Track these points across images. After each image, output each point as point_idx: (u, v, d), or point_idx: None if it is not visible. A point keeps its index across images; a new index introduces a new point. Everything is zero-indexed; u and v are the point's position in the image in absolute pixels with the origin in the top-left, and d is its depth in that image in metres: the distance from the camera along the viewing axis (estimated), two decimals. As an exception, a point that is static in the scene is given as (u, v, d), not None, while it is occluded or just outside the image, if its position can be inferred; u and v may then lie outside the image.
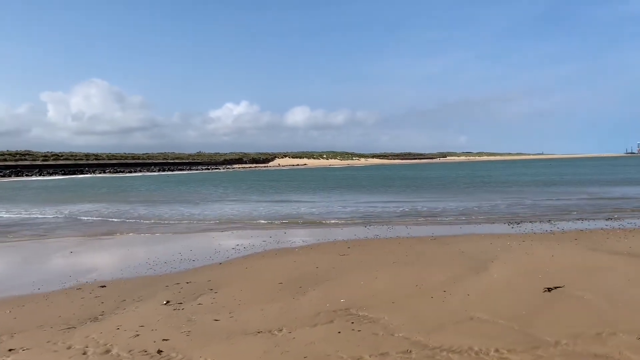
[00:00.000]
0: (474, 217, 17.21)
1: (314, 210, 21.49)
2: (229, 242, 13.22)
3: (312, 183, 48.98)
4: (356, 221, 17.24)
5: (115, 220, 19.59)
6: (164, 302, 7.58)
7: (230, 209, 23.14)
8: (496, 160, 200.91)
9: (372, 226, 15.73)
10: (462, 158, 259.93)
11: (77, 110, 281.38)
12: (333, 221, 17.38)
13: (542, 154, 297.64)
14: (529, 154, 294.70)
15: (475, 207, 20.64)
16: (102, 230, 16.68)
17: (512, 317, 6.18)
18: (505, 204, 21.31)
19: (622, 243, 10.89)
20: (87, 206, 26.17)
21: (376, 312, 6.65)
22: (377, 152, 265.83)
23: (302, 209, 22.15)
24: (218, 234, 15.13)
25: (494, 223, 15.63)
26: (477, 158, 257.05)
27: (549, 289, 7.26)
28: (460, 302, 6.89)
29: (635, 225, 14.01)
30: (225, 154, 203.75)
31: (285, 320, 6.49)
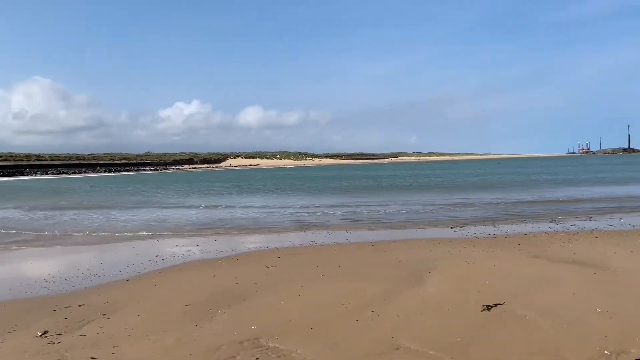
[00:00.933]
0: (417, 220, 16.52)
1: (251, 214, 20.30)
2: (148, 253, 11.89)
3: (259, 184, 47.69)
4: (294, 226, 16.20)
5: (27, 227, 17.77)
6: (39, 334, 6.27)
7: (163, 213, 21.61)
8: (445, 161, 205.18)
9: (310, 231, 14.73)
10: (413, 158, 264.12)
11: (19, 109, 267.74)
12: (269, 226, 16.27)
13: (490, 154, 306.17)
14: (477, 154, 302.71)
15: (421, 209, 20.02)
16: (7, 240, 14.94)
17: (445, 346, 5.28)
18: (450, 206, 20.80)
19: (566, 249, 10.31)
20: (4, 213, 23.98)
21: (289, 342, 5.61)
22: (331, 152, 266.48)
23: (239, 212, 20.92)
24: (140, 242, 13.74)
25: (436, 226, 14.94)
26: (427, 158, 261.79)
27: (489, 307, 6.43)
28: (388, 326, 5.95)
29: (579, 227, 13.61)
30: (175, 155, 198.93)
31: (177, 356, 5.35)
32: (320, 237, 13.54)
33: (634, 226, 13.40)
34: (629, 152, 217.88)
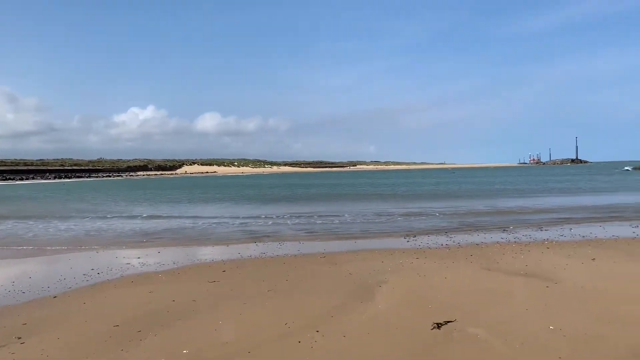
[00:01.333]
0: (371, 230, 16.22)
1: (201, 224, 19.53)
2: (84, 266, 11.05)
3: (213, 192, 46.61)
4: (245, 237, 15.60)
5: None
6: (-63, 364, 5.50)
7: (106, 223, 20.54)
8: (402, 170, 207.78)
9: (261, 243, 14.17)
10: (371, 167, 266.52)
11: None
12: (218, 237, 15.61)
13: (445, 163, 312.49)
14: (432, 163, 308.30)
15: (375, 218, 19.77)
16: None
17: (392, 370, 4.88)
18: (405, 215, 20.65)
19: (518, 260, 10.17)
20: None
21: (223, 369, 5.08)
22: (290, 159, 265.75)
23: (188, 222, 20.09)
24: (77, 254, 12.84)
25: (390, 236, 14.67)
26: (385, 167, 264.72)
27: (439, 325, 6.09)
28: (333, 348, 5.50)
29: (530, 238, 13.61)
30: (129, 161, 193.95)
31: (93, 389, 4.73)
32: (271, 248, 13.00)
33: (583, 237, 13.49)
34: (577, 163, 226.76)
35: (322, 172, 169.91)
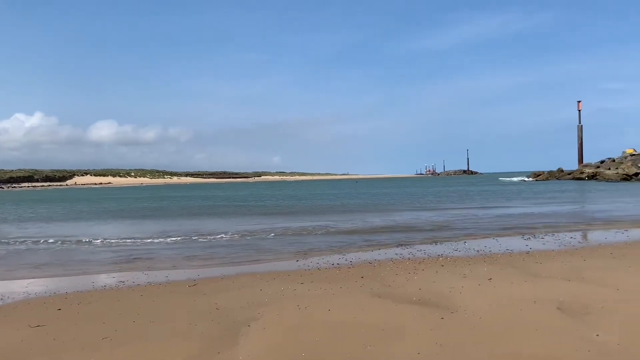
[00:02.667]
0: (260, 248, 14.65)
1: (57, 245, 16.85)
2: None
3: (97, 205, 42.67)
4: (107, 261, 13.37)
5: None
6: None
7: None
8: (307, 180, 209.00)
9: (125, 269, 12.08)
10: (276, 177, 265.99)
11: None
12: (73, 263, 13.24)
13: (348, 174, 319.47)
14: (336, 174, 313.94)
15: (268, 234, 18.23)
16: None
17: None
18: (299, 231, 19.33)
19: (411, 282, 9.09)
20: None
21: None
22: (192, 170, 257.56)
23: (42, 245, 17.29)
24: None
25: (279, 256, 13.19)
26: (290, 178, 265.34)
27: (309, 387, 4.65)
28: None
29: (425, 253, 12.77)
30: (12, 171, 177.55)
31: None
32: (133, 276, 10.98)
33: (478, 251, 12.90)
34: (468, 174, 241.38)
35: (225, 183, 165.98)
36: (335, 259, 12.36)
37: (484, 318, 6.59)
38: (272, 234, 17.88)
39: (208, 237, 17.30)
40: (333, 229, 19.14)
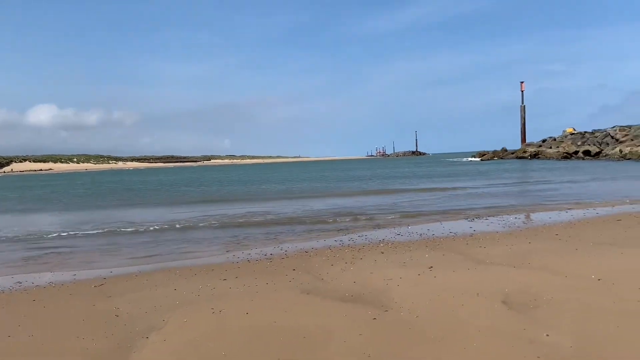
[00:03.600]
0: (186, 239, 13.45)
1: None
2: None
3: (28, 193, 39.90)
4: (15, 257, 11.86)
5: None
6: None
7: None
8: (258, 163, 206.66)
9: (33, 266, 10.68)
10: (227, 161, 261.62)
11: None
12: (-25, 258, 11.65)
13: (300, 156, 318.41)
14: (288, 157, 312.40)
15: (200, 222, 17.00)
16: None
17: None
18: (235, 216, 18.20)
19: (347, 274, 8.23)
20: None
21: None
22: (139, 155, 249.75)
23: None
24: None
25: (207, 247, 12.06)
26: (241, 161, 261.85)
27: None
28: None
29: (366, 239, 11.98)
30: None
31: None
32: (36, 276, 9.59)
33: (421, 235, 12.22)
34: (417, 155, 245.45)
35: (172, 168, 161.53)
36: (269, 249, 11.35)
37: (421, 317, 5.77)
38: (206, 223, 16.65)
39: (135, 228, 15.88)
40: (272, 216, 18.11)
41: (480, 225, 13.55)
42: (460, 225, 13.68)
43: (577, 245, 9.81)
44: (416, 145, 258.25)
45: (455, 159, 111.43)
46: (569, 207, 17.01)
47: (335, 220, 16.05)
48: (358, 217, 16.65)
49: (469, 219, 15.02)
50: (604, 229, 11.68)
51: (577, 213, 15.34)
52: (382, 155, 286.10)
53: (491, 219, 14.94)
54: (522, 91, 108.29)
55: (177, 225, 16.02)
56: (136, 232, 15.12)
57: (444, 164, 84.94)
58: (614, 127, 77.46)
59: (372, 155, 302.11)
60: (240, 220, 16.88)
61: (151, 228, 15.66)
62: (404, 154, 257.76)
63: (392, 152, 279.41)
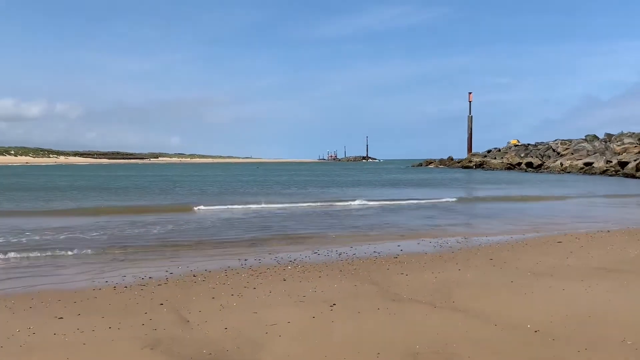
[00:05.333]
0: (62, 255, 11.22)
1: None
2: None
3: None
4: None
5: None
6: None
7: None
8: (207, 163, 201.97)
9: None
10: (175, 159, 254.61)
11: None
12: None
13: (251, 157, 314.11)
14: (239, 157, 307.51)
15: (94, 228, 14.72)
16: None
17: None
18: (123, 225, 16.01)
19: (224, 312, 6.36)
20: None
21: None
22: (82, 149, 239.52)
23: None
24: None
25: (82, 262, 9.89)
26: (190, 160, 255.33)
27: None
28: None
29: (274, 258, 10.15)
30: None
31: None
32: None
33: (340, 255, 10.50)
34: (367, 160, 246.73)
35: (119, 164, 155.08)
36: (152, 269, 9.32)
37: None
38: (97, 233, 14.36)
39: (44, 234, 13.42)
40: (173, 226, 16.02)
41: (409, 244, 12.01)
42: (388, 245, 12.07)
43: (512, 275, 8.34)
44: (367, 151, 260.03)
45: (404, 167, 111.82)
46: (508, 223, 15.84)
47: (247, 231, 14.16)
48: (275, 230, 14.83)
49: (399, 236, 13.48)
50: (543, 254, 10.34)
51: (517, 230, 14.10)
52: (334, 159, 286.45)
53: (423, 235, 13.47)
54: (470, 102, 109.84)
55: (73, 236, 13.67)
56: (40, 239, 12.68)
57: (389, 171, 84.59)
58: (555, 140, 79.37)
59: (323, 159, 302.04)
60: (135, 231, 14.70)
61: (62, 236, 13.23)
62: (355, 158, 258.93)
63: (344, 156, 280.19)
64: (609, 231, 13.50)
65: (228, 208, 21.06)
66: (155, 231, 14.18)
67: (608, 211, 20.05)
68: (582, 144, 70.59)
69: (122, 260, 10.20)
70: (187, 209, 20.77)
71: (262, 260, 10.04)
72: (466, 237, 12.96)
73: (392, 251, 10.92)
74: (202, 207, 20.87)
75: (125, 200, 25.77)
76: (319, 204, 22.64)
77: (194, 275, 8.66)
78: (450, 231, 14.23)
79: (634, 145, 58.15)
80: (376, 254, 10.62)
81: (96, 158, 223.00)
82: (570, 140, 76.27)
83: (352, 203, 23.22)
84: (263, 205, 21.64)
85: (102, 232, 13.97)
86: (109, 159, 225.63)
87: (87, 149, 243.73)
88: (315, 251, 11.03)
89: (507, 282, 7.89)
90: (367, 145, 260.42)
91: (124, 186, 38.92)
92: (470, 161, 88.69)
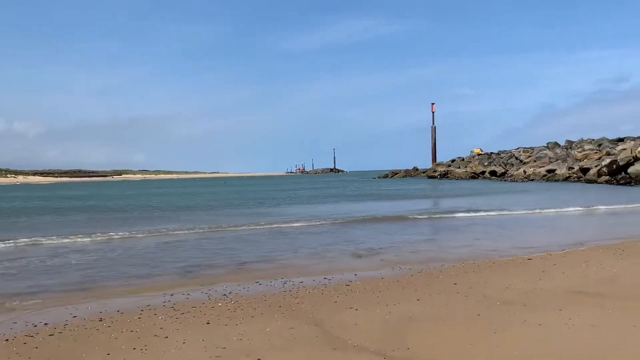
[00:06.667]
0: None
1: None
2: None
3: None
4: None
5: None
6: None
7: None
8: (172, 179, 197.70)
9: None
10: (139, 176, 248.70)
11: None
12: None
13: (218, 172, 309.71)
14: (205, 173, 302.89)
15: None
16: None
17: None
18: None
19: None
20: None
21: None
22: (41, 168, 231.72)
23: None
24: None
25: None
26: (154, 176, 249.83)
27: None
28: None
29: (208, 292, 8.66)
30: None
31: None
32: None
33: (285, 284, 9.09)
34: (335, 172, 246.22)
35: (81, 182, 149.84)
36: (28, 319, 7.71)
37: None
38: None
39: None
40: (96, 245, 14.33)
41: (366, 266, 10.73)
42: (342, 267, 10.73)
43: (480, 306, 7.10)
44: (334, 163, 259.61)
45: (371, 178, 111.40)
46: (476, 238, 14.76)
47: (190, 258, 12.62)
48: (225, 254, 13.33)
49: (356, 256, 12.17)
50: (513, 275, 9.18)
51: (484, 247, 12.99)
52: (302, 172, 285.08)
53: (382, 250, 12.22)
54: (433, 112, 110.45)
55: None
56: None
57: (357, 182, 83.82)
58: (518, 148, 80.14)
59: (292, 172, 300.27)
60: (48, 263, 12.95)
61: None
62: (323, 171, 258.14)
63: (312, 169, 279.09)
64: (582, 244, 12.53)
65: (157, 231, 19.41)
66: (73, 262, 12.46)
67: (579, 222, 19.29)
68: (544, 152, 71.34)
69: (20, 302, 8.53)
70: (109, 239, 19.03)
71: (191, 295, 8.54)
72: (428, 257, 11.72)
73: (345, 277, 9.58)
74: (125, 233, 19.13)
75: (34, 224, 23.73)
76: (274, 226, 21.21)
77: (100, 320, 7.09)
78: (411, 249, 13.01)
79: (594, 151, 58.86)
80: (327, 281, 9.28)
81: (57, 177, 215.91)
82: (532, 148, 77.10)
83: (311, 222, 21.85)
84: (207, 227, 20.05)
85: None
86: (70, 177, 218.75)
87: (49, 168, 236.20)
88: (258, 281, 9.59)
89: (473, 316, 6.64)
90: (334, 157, 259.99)
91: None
92: (435, 171, 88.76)
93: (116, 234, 17.27)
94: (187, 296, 8.44)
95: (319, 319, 6.74)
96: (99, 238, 16.56)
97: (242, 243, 14.98)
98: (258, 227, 19.12)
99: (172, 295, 8.59)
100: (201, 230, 18.28)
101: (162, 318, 7.10)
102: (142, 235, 17.22)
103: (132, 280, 10.06)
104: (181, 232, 18.04)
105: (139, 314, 7.39)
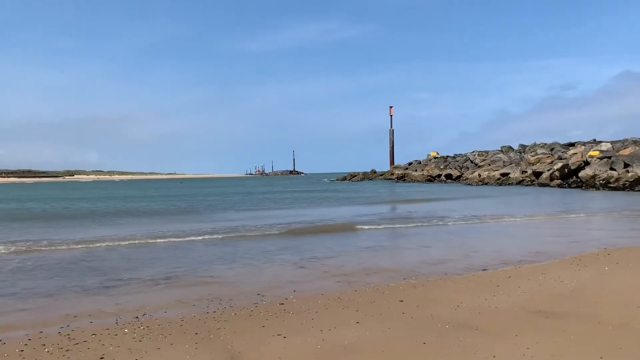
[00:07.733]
0: None
1: None
2: None
3: None
4: None
5: None
6: None
7: None
8: (127, 180, 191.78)
9: None
10: (92, 177, 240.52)
11: None
12: None
13: (175, 173, 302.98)
14: (162, 174, 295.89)
15: None
16: None
17: None
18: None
19: None
20: None
21: None
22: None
23: None
24: None
25: None
26: (108, 177, 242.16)
27: None
28: None
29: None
30: None
31: None
32: None
33: (210, 301, 7.94)
34: (294, 174, 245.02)
35: (29, 184, 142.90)
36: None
37: None
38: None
39: None
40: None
41: (305, 278, 9.69)
42: (281, 280, 9.64)
43: (426, 330, 6.17)
44: (294, 165, 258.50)
45: (326, 180, 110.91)
46: (425, 246, 13.97)
47: (106, 272, 11.26)
48: (154, 265, 12.02)
49: (298, 267, 11.13)
50: (464, 290, 8.33)
51: (436, 256, 12.17)
52: (262, 173, 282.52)
53: (326, 265, 11.22)
54: (391, 115, 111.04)
55: None
56: None
57: (318, 184, 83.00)
58: (473, 152, 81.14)
59: (251, 174, 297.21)
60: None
61: None
62: (282, 173, 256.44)
63: (271, 170, 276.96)
64: (538, 253, 11.89)
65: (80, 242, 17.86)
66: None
67: (535, 230, 18.88)
68: (499, 155, 72.35)
69: None
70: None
71: (95, 319, 7.26)
72: (377, 268, 10.79)
73: (281, 293, 8.51)
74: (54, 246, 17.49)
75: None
76: (219, 236, 19.92)
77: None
78: (359, 259, 12.05)
79: (547, 155, 59.94)
80: (260, 298, 8.20)
81: (4, 177, 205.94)
82: (487, 152, 78.16)
83: (254, 232, 20.68)
84: (139, 234, 18.61)
85: None
86: (18, 177, 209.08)
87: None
88: (180, 298, 8.40)
89: (418, 344, 5.69)
90: (294, 159, 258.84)
91: None
92: (392, 174, 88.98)
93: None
94: (91, 321, 7.17)
95: (237, 352, 5.65)
96: None
97: (174, 251, 13.69)
98: (198, 236, 17.81)
99: (75, 317, 7.32)
100: (132, 241, 16.83)
101: (47, 351, 5.84)
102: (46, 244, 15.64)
103: (30, 300, 8.66)
104: (104, 243, 16.55)
105: (23, 345, 6.10)
